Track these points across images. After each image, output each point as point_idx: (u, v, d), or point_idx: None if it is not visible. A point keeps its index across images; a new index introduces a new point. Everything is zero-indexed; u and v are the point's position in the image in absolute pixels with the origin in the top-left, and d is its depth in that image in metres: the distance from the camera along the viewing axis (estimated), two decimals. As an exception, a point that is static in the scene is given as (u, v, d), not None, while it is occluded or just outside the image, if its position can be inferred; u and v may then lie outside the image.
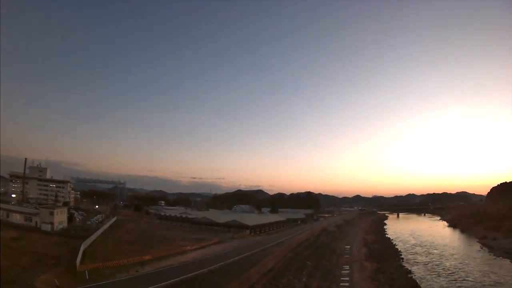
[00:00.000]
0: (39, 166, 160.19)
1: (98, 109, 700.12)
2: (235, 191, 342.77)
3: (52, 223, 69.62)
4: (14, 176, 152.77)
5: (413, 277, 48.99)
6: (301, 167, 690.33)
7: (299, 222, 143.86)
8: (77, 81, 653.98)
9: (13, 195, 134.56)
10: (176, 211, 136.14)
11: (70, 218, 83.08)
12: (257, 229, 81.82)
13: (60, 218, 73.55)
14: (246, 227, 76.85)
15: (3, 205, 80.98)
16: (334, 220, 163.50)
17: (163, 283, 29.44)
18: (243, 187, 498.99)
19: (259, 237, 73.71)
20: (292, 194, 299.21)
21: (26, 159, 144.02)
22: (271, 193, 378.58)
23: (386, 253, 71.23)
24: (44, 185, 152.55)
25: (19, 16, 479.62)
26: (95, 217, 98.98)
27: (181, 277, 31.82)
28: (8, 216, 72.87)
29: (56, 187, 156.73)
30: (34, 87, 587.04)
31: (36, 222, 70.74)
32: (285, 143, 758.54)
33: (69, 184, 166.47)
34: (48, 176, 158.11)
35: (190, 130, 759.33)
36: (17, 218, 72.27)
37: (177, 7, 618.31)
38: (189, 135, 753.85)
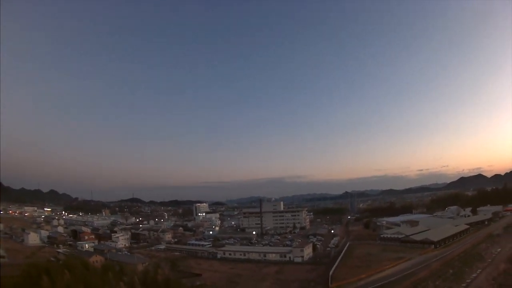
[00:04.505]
0: (272, 200, 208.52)
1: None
2: (458, 180, 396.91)
3: (302, 256, 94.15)
4: (247, 213, 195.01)
5: None
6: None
7: (486, 222, 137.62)
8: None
9: (254, 232, 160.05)
10: (392, 230, 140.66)
11: (313, 247, 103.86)
12: (441, 242, 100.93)
13: (307, 251, 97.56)
14: (432, 242, 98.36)
15: (262, 248, 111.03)
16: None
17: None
18: (465, 172, 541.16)
19: (437, 251, 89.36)
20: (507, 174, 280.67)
21: (260, 199, 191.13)
22: (489, 174, 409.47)
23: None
24: (280, 216, 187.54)
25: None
26: (331, 241, 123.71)
27: (376, 285, 58.24)
28: (265, 256, 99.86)
29: (292, 215, 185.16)
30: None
31: (290, 257, 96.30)
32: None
33: (303, 211, 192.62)
34: (281, 207, 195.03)
35: (415, 121, 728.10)
36: (273, 256, 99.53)
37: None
38: (413, 128, 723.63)
